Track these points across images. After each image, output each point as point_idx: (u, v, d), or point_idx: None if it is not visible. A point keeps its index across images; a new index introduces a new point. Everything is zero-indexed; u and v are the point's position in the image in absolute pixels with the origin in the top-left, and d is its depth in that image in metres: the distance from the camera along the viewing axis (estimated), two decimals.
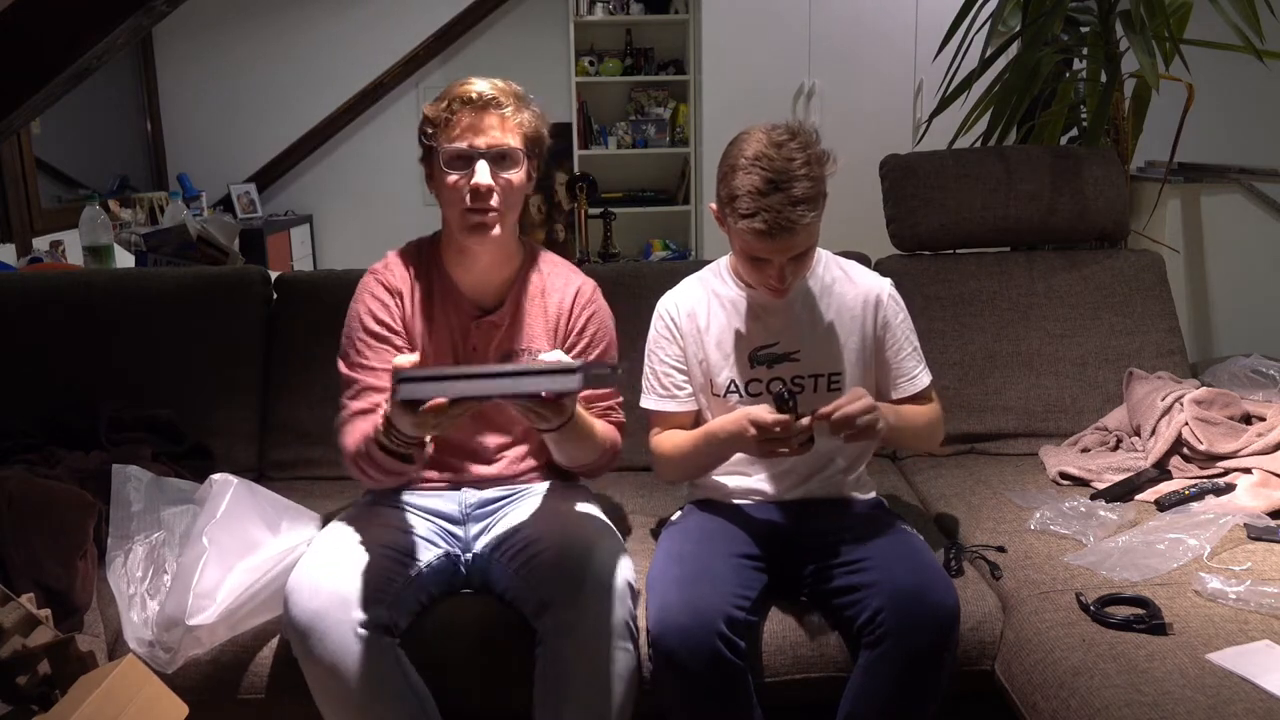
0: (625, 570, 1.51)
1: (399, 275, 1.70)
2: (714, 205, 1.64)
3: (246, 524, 1.62)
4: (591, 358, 1.72)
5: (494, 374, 1.39)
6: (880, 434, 1.56)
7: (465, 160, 1.59)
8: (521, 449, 1.73)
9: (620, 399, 1.76)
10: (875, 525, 1.63)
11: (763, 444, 1.53)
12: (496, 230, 1.62)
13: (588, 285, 1.76)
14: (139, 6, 2.00)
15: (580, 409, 1.58)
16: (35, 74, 2.05)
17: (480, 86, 1.60)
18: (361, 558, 1.50)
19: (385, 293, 1.69)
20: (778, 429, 1.50)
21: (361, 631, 1.41)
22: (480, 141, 1.59)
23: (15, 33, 1.97)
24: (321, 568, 1.48)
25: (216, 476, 1.67)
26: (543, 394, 1.40)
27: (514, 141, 1.61)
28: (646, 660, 1.50)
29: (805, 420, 1.50)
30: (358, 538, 1.55)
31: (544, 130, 1.66)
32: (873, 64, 4.54)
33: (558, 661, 1.45)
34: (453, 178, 1.60)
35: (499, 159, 1.60)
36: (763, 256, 1.57)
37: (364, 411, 1.62)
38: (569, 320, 1.72)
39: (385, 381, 1.58)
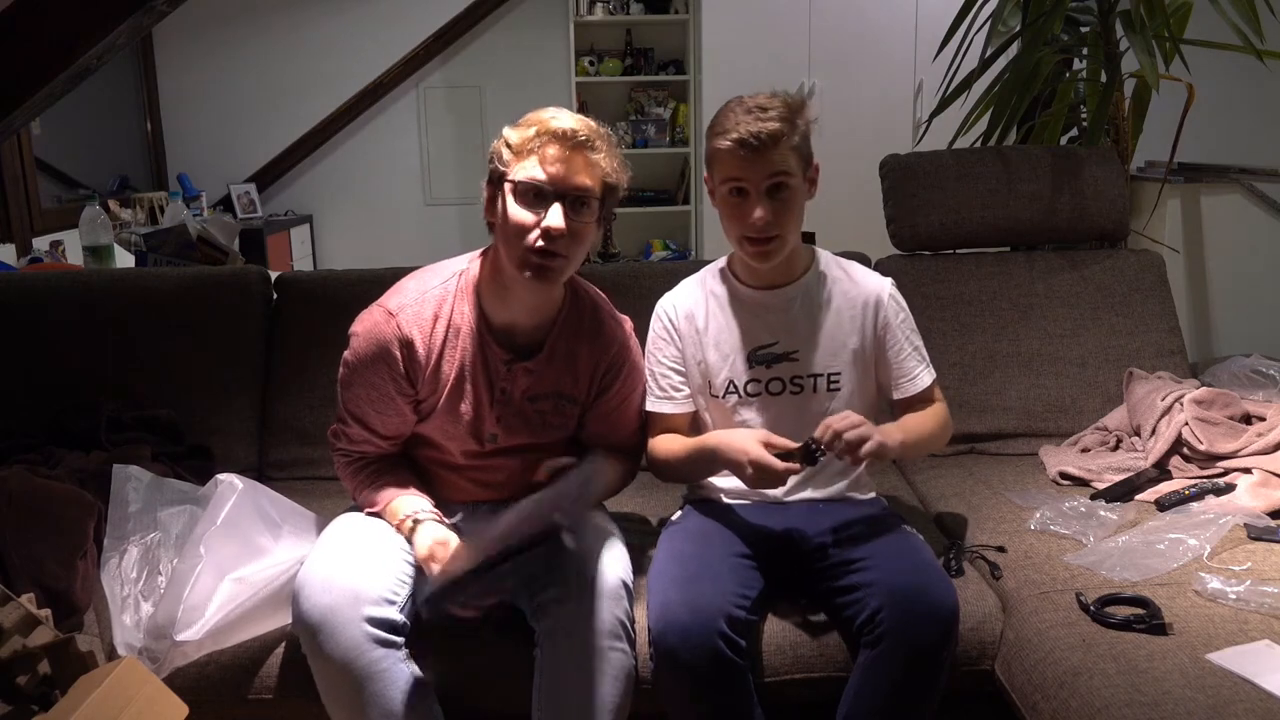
0: (621, 570, 1.51)
1: (412, 317, 1.56)
2: (707, 175, 1.66)
3: (247, 532, 1.60)
4: (624, 398, 1.70)
5: (495, 562, 1.38)
6: (887, 452, 1.53)
7: (540, 197, 1.48)
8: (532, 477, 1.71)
9: (636, 444, 1.76)
10: (875, 525, 1.63)
11: (757, 482, 1.55)
12: (552, 282, 1.53)
13: (626, 329, 1.71)
14: (139, 6, 2.00)
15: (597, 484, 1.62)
16: (35, 74, 2.05)
17: (570, 123, 1.48)
18: (373, 556, 1.50)
19: (395, 344, 1.55)
20: (786, 475, 1.52)
21: (372, 630, 1.41)
22: (562, 181, 1.47)
23: (15, 33, 1.97)
24: (333, 564, 1.48)
25: (222, 477, 1.65)
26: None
27: (595, 187, 1.51)
28: (648, 659, 1.50)
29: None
30: (369, 536, 1.55)
31: (624, 180, 1.56)
32: (873, 64, 4.54)
33: (554, 662, 1.45)
34: (523, 215, 1.48)
35: (576, 203, 1.49)
36: (741, 181, 1.59)
37: (361, 456, 1.65)
38: (609, 368, 1.67)
39: (384, 439, 1.63)
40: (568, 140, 1.48)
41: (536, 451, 1.65)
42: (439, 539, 1.51)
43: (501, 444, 1.64)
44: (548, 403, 1.64)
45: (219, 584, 1.53)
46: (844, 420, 1.50)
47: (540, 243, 1.47)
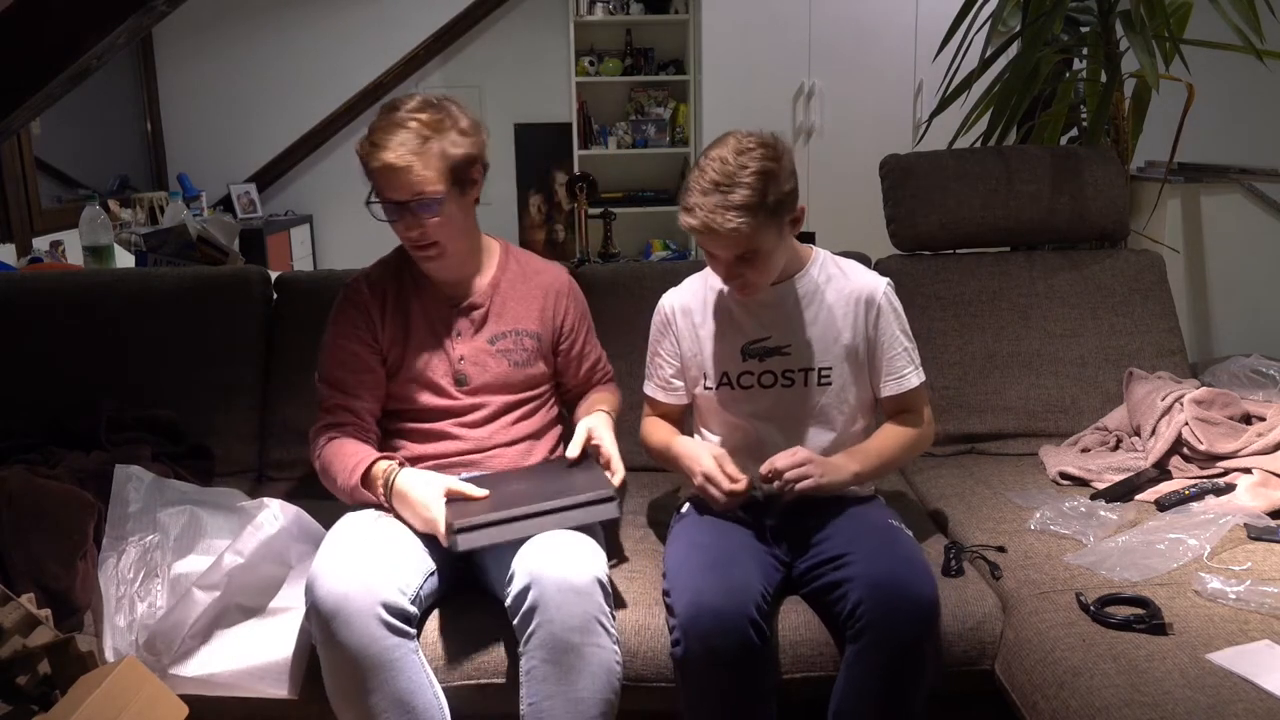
0: (595, 568, 1.51)
1: (373, 283, 1.80)
2: None
3: (272, 571, 1.59)
4: (579, 342, 1.87)
5: (543, 512, 1.51)
6: (837, 487, 1.63)
7: (393, 208, 1.66)
8: (526, 446, 1.80)
9: (607, 366, 1.95)
10: (860, 521, 1.64)
11: (703, 492, 1.65)
12: (443, 260, 1.72)
13: (565, 273, 1.90)
14: (139, 6, 1.99)
15: (612, 446, 1.70)
16: (35, 74, 2.04)
17: (385, 157, 1.61)
18: (387, 547, 1.52)
19: (356, 308, 1.78)
20: (726, 497, 1.62)
21: (387, 618, 1.42)
22: (398, 196, 1.64)
23: (15, 33, 1.97)
24: (347, 554, 1.49)
25: (268, 502, 1.62)
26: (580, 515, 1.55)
27: (432, 187, 1.64)
28: (671, 646, 1.50)
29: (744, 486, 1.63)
30: (381, 528, 1.57)
31: (471, 150, 1.68)
32: (873, 64, 4.54)
33: (534, 661, 1.46)
34: (394, 226, 1.69)
35: (422, 208, 1.65)
36: (708, 250, 1.63)
37: (338, 426, 1.71)
38: (559, 305, 1.85)
39: (357, 400, 1.73)
40: (389, 171, 1.63)
41: (517, 395, 1.79)
42: (426, 479, 1.60)
43: (475, 383, 1.76)
44: (508, 340, 1.80)
45: (222, 630, 1.54)
46: (788, 458, 1.59)
47: (413, 245, 1.70)
